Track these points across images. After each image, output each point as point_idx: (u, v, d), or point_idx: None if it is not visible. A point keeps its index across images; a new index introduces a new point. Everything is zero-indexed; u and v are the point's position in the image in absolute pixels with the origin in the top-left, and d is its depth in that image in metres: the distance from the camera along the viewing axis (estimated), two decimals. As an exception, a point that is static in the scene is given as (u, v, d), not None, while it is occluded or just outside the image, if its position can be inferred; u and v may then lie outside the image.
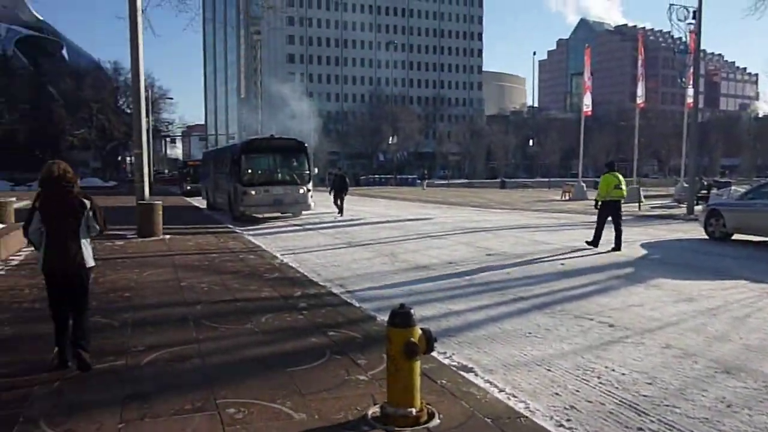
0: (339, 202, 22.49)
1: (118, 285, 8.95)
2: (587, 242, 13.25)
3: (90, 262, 5.20)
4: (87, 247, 5.18)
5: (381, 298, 8.39)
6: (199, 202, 31.16)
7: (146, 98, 21.55)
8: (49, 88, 66.80)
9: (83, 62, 73.00)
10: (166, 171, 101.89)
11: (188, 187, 42.08)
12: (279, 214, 22.04)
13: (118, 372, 5.09)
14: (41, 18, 78.18)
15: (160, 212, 15.51)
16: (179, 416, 4.16)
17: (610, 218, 12.85)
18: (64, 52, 77.28)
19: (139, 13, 15.45)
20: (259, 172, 21.08)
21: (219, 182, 24.12)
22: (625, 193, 12.96)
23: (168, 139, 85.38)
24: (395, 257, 12.25)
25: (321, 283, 9.12)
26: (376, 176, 74.01)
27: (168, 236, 15.40)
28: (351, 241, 15.04)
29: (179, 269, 10.40)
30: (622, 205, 13.20)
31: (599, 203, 12.97)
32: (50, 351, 5.26)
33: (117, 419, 4.12)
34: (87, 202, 5.12)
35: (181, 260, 11.50)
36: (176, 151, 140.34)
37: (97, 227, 5.20)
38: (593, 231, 13.23)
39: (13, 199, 18.80)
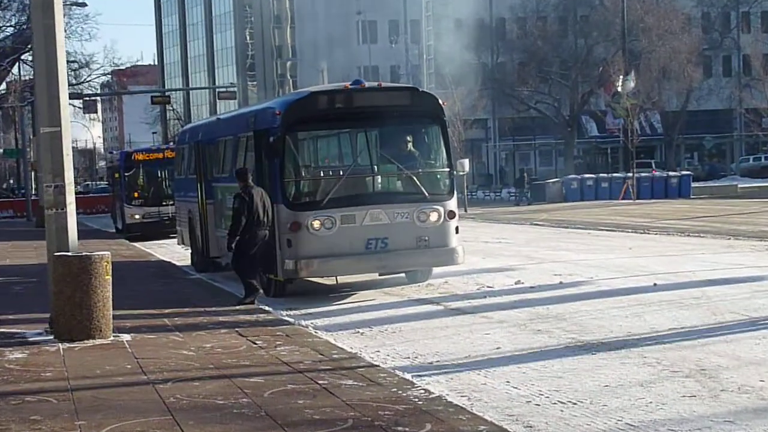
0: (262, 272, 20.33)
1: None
2: None
3: None
4: None
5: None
6: (168, 251, 32.76)
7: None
8: None
9: None
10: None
11: (136, 217, 44.50)
12: (376, 275, 22.20)
13: None
14: None
15: (109, 278, 15.81)
16: None
17: None
18: None
19: None
20: (332, 173, 21.61)
21: (224, 203, 24.51)
22: None
23: (80, 102, 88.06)
24: (714, 379, 12.31)
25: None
26: (587, 175, 73.20)
27: (128, 336, 15.83)
28: (579, 338, 15.35)
29: (183, 420, 10.33)
30: None
31: None
32: None
33: None
34: None
35: (178, 395, 11.58)
36: (94, 130, 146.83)
37: None
38: None
39: None
